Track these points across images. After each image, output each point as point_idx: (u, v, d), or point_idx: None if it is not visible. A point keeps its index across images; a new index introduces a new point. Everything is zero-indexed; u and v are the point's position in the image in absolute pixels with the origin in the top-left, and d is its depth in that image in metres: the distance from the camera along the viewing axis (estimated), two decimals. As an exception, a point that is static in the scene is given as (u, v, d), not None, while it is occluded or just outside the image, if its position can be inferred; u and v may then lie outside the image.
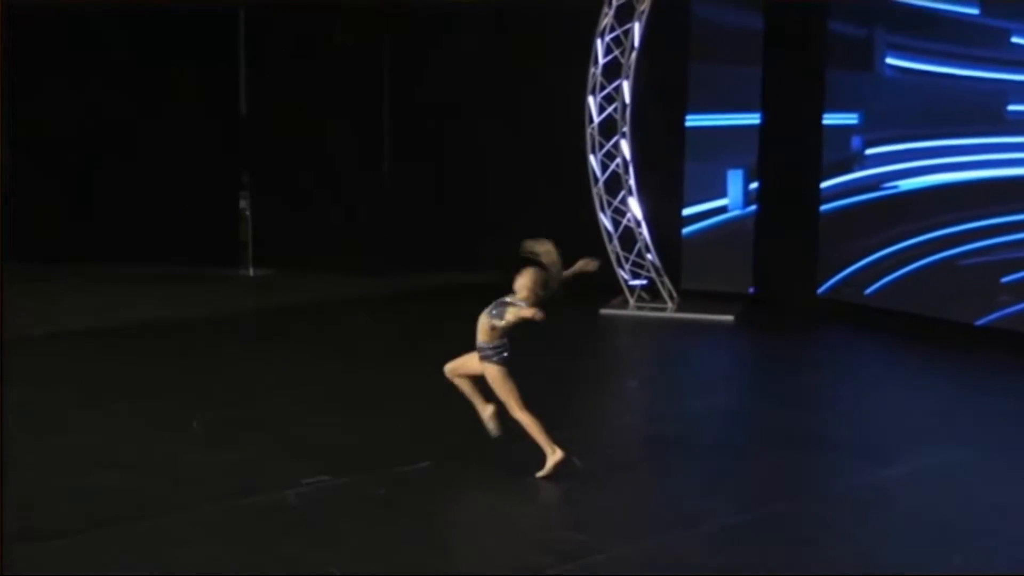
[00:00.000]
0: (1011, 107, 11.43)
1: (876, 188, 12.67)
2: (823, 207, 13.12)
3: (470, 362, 8.17)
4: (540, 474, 7.93)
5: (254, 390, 10.11)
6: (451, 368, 8.28)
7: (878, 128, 12.59)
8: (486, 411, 8.23)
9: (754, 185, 13.47)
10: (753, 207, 13.53)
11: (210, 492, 7.68)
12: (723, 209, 13.62)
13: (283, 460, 8.31)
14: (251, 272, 15.18)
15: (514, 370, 10.74)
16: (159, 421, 9.11)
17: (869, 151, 12.68)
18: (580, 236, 13.37)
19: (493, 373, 8.03)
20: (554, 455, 7.94)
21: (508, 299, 8.04)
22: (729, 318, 12.95)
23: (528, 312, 7.82)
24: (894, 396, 10.54)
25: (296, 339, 12.09)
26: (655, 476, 8.43)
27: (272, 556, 6.81)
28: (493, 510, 7.72)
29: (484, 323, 8.05)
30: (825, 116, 12.94)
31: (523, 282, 8.03)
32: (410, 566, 6.75)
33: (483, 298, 13.53)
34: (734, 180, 13.57)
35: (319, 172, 15.07)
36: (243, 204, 15.41)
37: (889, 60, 12.35)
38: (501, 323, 7.94)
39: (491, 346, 8.04)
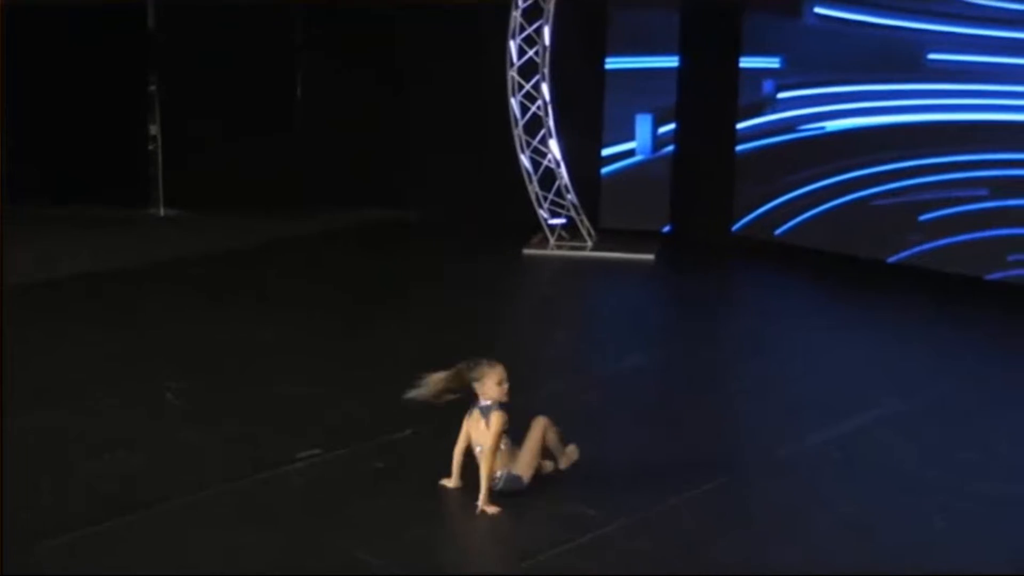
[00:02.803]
0: (930, 55, 11.89)
1: (793, 130, 13.05)
2: (739, 147, 13.46)
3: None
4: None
5: (213, 353, 10.10)
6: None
7: (798, 72, 12.92)
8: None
9: (666, 128, 13.75)
10: (663, 151, 13.79)
11: (210, 473, 7.73)
12: (630, 153, 13.88)
13: (269, 433, 8.38)
14: (161, 212, 14.88)
15: (445, 317, 11.02)
16: (132, 394, 9.06)
17: (788, 94, 13.02)
18: (501, 177, 13.66)
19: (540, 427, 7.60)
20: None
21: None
22: (650, 257, 13.27)
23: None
24: (826, 342, 10.87)
25: (236, 290, 12.00)
26: (620, 439, 8.49)
27: (296, 540, 6.95)
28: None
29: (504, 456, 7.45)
30: (746, 60, 13.23)
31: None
32: (431, 546, 6.95)
33: (407, 237, 13.91)
34: (642, 124, 13.81)
35: (230, 104, 14.87)
36: (153, 132, 14.82)
37: (817, 10, 12.67)
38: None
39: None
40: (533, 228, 13.55)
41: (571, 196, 13.51)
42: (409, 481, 7.74)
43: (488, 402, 7.39)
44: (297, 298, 11.71)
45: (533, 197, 13.45)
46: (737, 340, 11.10)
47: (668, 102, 13.67)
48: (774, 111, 13.14)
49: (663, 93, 13.62)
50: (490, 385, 7.36)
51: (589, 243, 13.47)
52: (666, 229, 13.91)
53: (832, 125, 12.72)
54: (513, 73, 13.21)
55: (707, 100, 13.53)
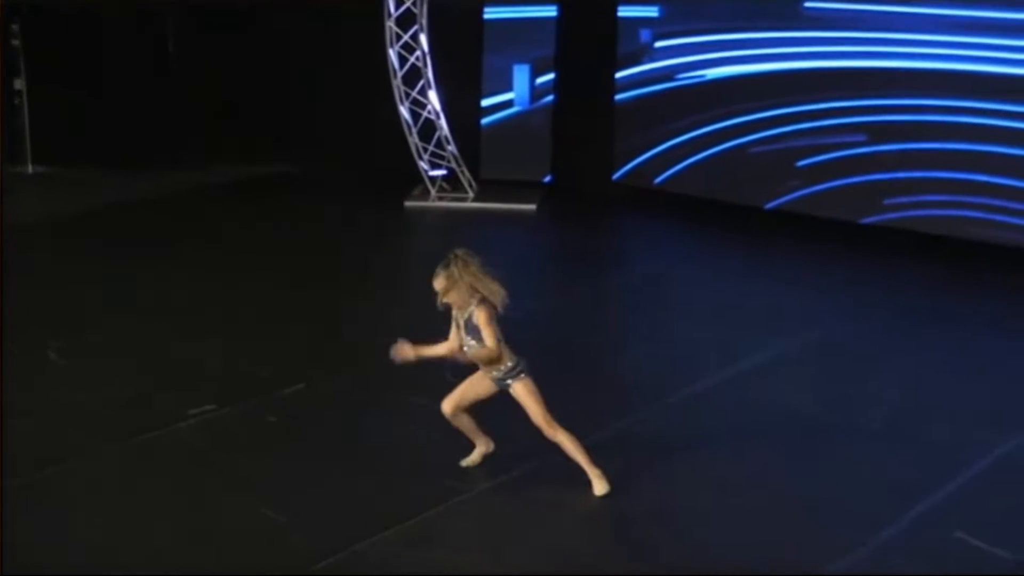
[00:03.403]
0: (807, 3, 12.03)
1: (672, 78, 13.12)
2: (618, 97, 13.51)
3: (475, 388, 7.14)
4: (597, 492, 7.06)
5: (92, 311, 9.89)
6: (452, 405, 7.17)
7: (677, 21, 13.01)
8: (481, 451, 7.36)
9: (545, 78, 13.73)
10: (542, 100, 13.77)
11: (103, 433, 7.60)
12: (510, 103, 13.85)
13: (159, 390, 8.28)
14: (30, 169, 14.49)
15: (327, 271, 10.92)
16: (14, 356, 8.77)
17: (666, 42, 13.09)
18: (380, 129, 13.57)
19: (523, 388, 7.03)
20: (600, 481, 7.05)
21: (468, 316, 7.01)
22: (531, 207, 13.28)
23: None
24: (709, 288, 11.01)
25: (113, 247, 11.75)
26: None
27: (199, 497, 6.86)
28: (390, 433, 7.83)
29: (478, 355, 7.03)
30: (624, 9, 13.24)
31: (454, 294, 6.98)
32: (338, 501, 6.91)
33: (287, 191, 13.74)
34: (520, 75, 13.77)
35: (95, 60, 14.51)
36: (18, 87, 14.31)
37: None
38: (492, 346, 6.95)
39: (507, 368, 7.04)
40: (414, 180, 13.48)
41: (451, 147, 13.46)
42: (303, 435, 7.70)
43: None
44: (176, 254, 11.53)
45: (413, 149, 13.38)
46: (621, 288, 11.18)
47: (547, 52, 13.65)
48: (652, 60, 13.20)
49: (542, 43, 13.59)
50: None
51: (470, 194, 13.45)
52: (547, 179, 13.92)
53: (712, 73, 12.82)
54: (391, 24, 13.09)
55: (586, 49, 13.54)
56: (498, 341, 6.95)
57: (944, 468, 7.35)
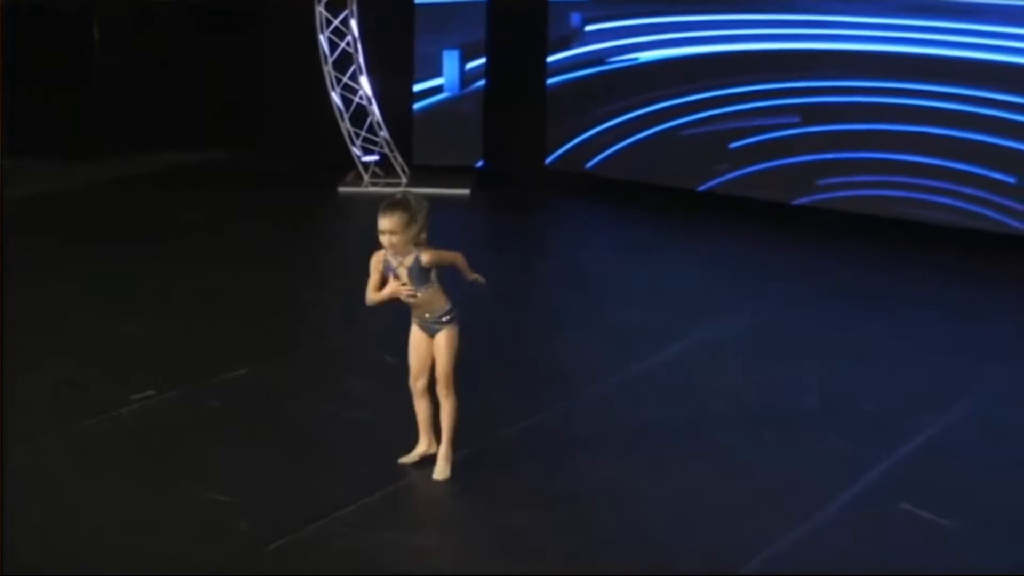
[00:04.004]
0: (741, -15, 12.18)
1: (603, 62, 13.15)
2: (550, 81, 13.51)
3: (423, 352, 7.00)
4: (403, 460, 7.10)
5: (28, 299, 9.69)
6: (415, 376, 7.04)
7: (607, 5, 13.03)
8: (422, 449, 7.16)
9: (475, 63, 13.70)
10: (473, 86, 13.75)
11: (42, 421, 7.48)
12: (440, 89, 13.81)
13: (98, 377, 8.17)
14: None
15: (261, 258, 10.95)
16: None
17: (597, 26, 13.11)
18: (311, 114, 13.50)
19: (448, 337, 6.93)
20: (445, 465, 6.98)
21: (412, 262, 6.80)
22: (465, 192, 13.26)
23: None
24: (643, 271, 11.00)
25: (47, 236, 11.55)
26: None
27: (147, 485, 6.78)
28: (333, 417, 7.75)
29: (421, 300, 6.88)
30: (555, -8, 13.30)
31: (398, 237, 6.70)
32: (284, 485, 6.86)
33: (218, 178, 13.62)
34: (450, 60, 13.73)
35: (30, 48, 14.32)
36: None
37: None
38: (433, 285, 6.89)
39: (444, 310, 6.95)
40: (347, 166, 13.43)
41: (384, 133, 13.42)
42: (246, 420, 7.64)
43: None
44: (110, 242, 11.39)
45: (345, 134, 13.33)
46: (554, 272, 11.22)
47: (478, 36, 13.62)
48: (583, 44, 13.22)
49: (473, 27, 13.56)
50: None
51: (403, 179, 13.41)
52: (480, 164, 13.91)
53: (643, 56, 12.86)
54: (321, 8, 13.02)
55: (516, 34, 13.54)
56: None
57: (885, 443, 7.41)
